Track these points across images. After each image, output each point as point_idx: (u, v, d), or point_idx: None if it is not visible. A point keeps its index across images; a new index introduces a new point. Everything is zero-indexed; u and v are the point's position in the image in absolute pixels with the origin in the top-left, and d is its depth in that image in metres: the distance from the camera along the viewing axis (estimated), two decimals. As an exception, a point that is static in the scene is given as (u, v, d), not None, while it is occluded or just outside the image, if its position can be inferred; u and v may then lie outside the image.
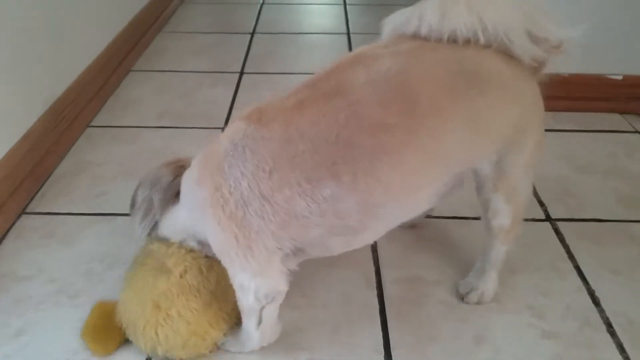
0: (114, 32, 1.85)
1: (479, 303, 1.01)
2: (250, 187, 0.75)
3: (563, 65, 1.62)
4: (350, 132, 0.72)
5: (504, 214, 0.91)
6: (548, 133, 1.55)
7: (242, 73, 1.93)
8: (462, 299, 1.02)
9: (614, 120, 1.65)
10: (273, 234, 0.77)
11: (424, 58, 0.77)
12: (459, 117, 0.76)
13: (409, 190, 0.79)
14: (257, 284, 0.80)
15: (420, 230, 1.20)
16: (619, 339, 0.96)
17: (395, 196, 0.77)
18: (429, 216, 1.23)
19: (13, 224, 1.21)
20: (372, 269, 1.11)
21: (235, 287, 0.83)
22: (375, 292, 1.05)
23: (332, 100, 0.74)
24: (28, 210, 1.26)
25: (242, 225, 0.77)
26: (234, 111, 1.68)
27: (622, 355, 0.93)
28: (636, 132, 1.58)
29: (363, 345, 0.95)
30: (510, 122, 0.82)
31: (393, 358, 0.93)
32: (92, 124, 1.60)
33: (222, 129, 1.58)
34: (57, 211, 1.26)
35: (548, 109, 1.66)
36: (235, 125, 0.80)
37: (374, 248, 1.15)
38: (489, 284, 1.01)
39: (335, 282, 1.07)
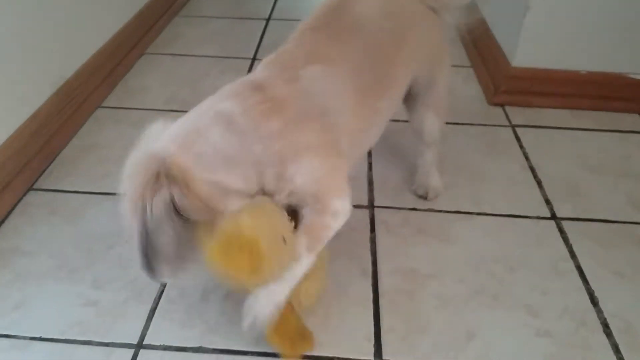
0: (127, 15, 1.87)
1: (436, 196, 1.23)
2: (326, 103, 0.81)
3: (581, 62, 1.60)
4: (375, 61, 0.90)
5: (434, 127, 1.15)
6: (564, 131, 1.53)
7: (254, 59, 1.93)
8: (426, 198, 1.22)
9: (633, 120, 1.60)
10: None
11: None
12: (415, 42, 0.99)
13: (400, 90, 1.02)
14: (349, 204, 0.83)
15: (419, 223, 1.19)
16: (614, 340, 0.94)
17: (393, 97, 0.98)
18: (430, 209, 1.22)
19: (20, 200, 1.24)
20: (369, 259, 1.10)
21: (327, 216, 0.82)
22: (370, 282, 1.04)
23: (354, 37, 0.89)
24: (35, 187, 1.28)
25: (331, 143, 0.81)
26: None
27: (616, 356, 0.91)
28: (653, 133, 1.54)
29: (354, 332, 0.95)
30: (436, 44, 1.08)
31: (383, 346, 0.92)
32: (102, 105, 1.62)
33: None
34: (63, 189, 1.28)
35: (566, 106, 1.65)
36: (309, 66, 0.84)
37: (372, 239, 1.14)
38: (436, 180, 1.24)
39: (332, 272, 1.06)
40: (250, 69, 1.86)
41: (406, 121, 1.19)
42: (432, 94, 1.09)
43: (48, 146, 1.36)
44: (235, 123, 0.76)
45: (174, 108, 1.61)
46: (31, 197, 1.25)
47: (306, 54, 0.85)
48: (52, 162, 1.36)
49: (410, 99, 1.11)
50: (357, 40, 0.89)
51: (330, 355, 0.91)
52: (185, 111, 1.60)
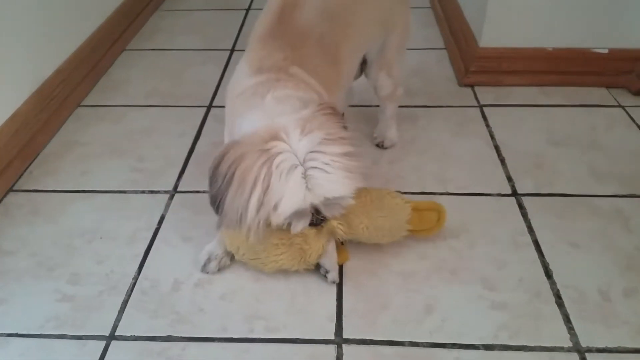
0: (108, 10, 1.90)
1: (391, 146, 1.41)
2: None
3: (546, 39, 1.62)
4: (328, 54, 1.05)
5: (386, 84, 1.29)
6: (532, 108, 1.56)
7: (232, 50, 1.96)
8: (382, 146, 1.40)
9: (600, 94, 1.62)
10: None
11: None
12: (365, 15, 1.14)
13: (353, 65, 1.19)
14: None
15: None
16: (566, 310, 0.98)
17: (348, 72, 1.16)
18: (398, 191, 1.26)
19: (0, 202, 1.28)
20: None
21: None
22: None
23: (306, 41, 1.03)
24: (16, 188, 1.33)
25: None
26: (220, 89, 1.71)
27: (566, 326, 0.95)
28: (620, 106, 1.56)
29: (317, 313, 1.00)
30: (387, 13, 1.19)
31: (344, 325, 0.97)
32: (83, 104, 1.66)
33: (208, 107, 1.62)
34: (43, 189, 1.32)
35: (534, 83, 1.68)
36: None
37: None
38: (393, 132, 1.42)
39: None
40: (228, 60, 1.88)
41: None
42: (384, 56, 1.24)
43: (28, 146, 1.40)
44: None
45: (154, 103, 1.65)
46: (12, 197, 1.30)
47: (283, 59, 0.99)
48: (32, 161, 1.41)
49: (366, 62, 1.27)
50: (309, 43, 1.03)
51: (293, 337, 0.95)
52: (166, 106, 1.64)
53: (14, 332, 0.98)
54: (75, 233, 1.19)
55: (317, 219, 0.93)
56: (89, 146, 1.48)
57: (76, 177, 1.36)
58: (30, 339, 0.97)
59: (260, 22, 1.07)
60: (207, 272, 1.06)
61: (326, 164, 0.84)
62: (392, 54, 1.25)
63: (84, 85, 1.69)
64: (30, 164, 1.40)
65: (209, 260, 1.05)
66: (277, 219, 0.86)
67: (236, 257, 1.06)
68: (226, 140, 1.05)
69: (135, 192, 1.30)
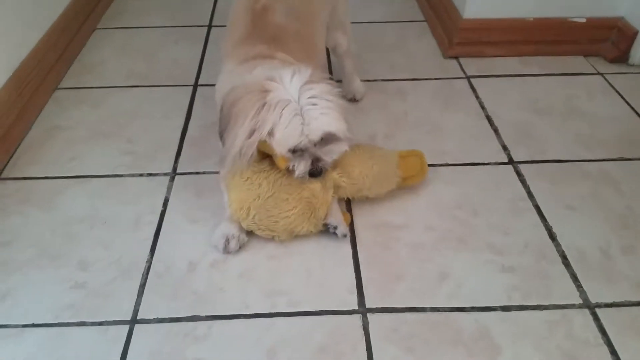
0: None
1: (360, 99, 1.51)
2: None
3: (527, 9, 1.66)
4: (303, 44, 1.18)
5: (343, 41, 1.43)
6: (515, 78, 1.61)
7: (210, 26, 1.91)
8: (354, 99, 1.49)
9: (578, 63, 1.69)
10: None
11: None
12: (321, 3, 1.28)
13: (322, 41, 1.31)
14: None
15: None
16: (572, 270, 1.03)
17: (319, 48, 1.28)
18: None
19: (-12, 191, 1.23)
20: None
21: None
22: (348, 238, 1.10)
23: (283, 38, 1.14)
24: (2, 177, 1.27)
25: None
26: (204, 68, 1.67)
27: (575, 284, 1.01)
28: (598, 74, 1.63)
29: (336, 286, 1.01)
30: None
31: (365, 296, 0.99)
32: (60, 86, 1.59)
33: (194, 86, 1.58)
34: (31, 176, 1.27)
35: (515, 53, 1.72)
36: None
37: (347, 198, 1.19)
38: (358, 83, 1.52)
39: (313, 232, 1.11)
40: (207, 36, 1.84)
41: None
42: (336, 18, 1.37)
43: (9, 134, 1.34)
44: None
45: (134, 84, 1.60)
46: None
47: (267, 48, 1.10)
48: (15, 150, 1.35)
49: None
50: (288, 37, 1.14)
51: (318, 309, 0.97)
52: (147, 86, 1.60)
53: (29, 322, 0.95)
54: (74, 220, 1.16)
55: (317, 167, 1.00)
56: (73, 130, 1.42)
57: (65, 163, 1.31)
58: (47, 328, 0.95)
59: (232, 31, 1.19)
60: (229, 252, 1.05)
61: (317, 99, 0.96)
62: (342, 14, 1.39)
63: (59, 67, 1.62)
64: (13, 153, 1.34)
65: (227, 240, 1.05)
66: (278, 147, 0.96)
67: (245, 223, 1.05)
68: (222, 140, 1.06)
69: (132, 175, 1.27)
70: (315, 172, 1.01)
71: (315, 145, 1.00)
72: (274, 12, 1.16)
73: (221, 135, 1.01)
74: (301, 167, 1.00)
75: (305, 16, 1.21)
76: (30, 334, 0.94)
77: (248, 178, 1.04)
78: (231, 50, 1.15)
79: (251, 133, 0.96)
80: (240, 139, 0.96)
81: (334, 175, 1.07)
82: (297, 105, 0.95)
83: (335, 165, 1.07)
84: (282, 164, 1.00)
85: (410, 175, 1.17)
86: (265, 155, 1.03)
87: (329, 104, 0.97)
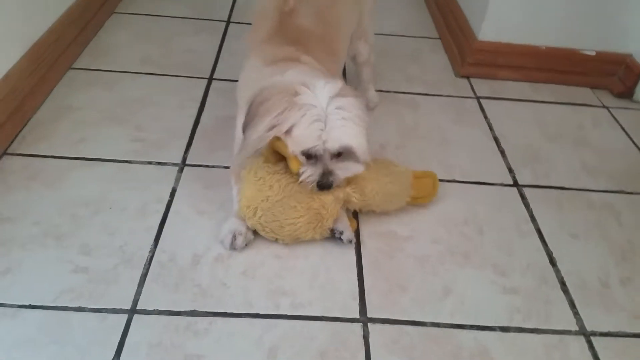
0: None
1: (374, 108, 1.52)
2: None
3: (541, 37, 1.69)
4: (326, 46, 1.20)
5: (364, 50, 1.44)
6: (524, 103, 1.63)
7: (228, 22, 1.91)
8: (367, 107, 1.35)
9: (585, 94, 1.72)
10: None
11: None
12: (348, 10, 1.30)
13: (345, 47, 1.33)
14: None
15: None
16: (571, 296, 1.05)
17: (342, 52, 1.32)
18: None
19: (-5, 165, 1.21)
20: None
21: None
22: (353, 245, 1.11)
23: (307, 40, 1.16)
24: (9, 152, 1.25)
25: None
26: (220, 61, 1.67)
27: (572, 311, 1.02)
28: (604, 107, 1.66)
29: (339, 291, 1.02)
30: None
31: (367, 304, 1.00)
32: (73, 67, 1.58)
33: (208, 79, 1.58)
34: (39, 153, 1.26)
35: (526, 79, 1.75)
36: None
37: (352, 205, 1.20)
38: (373, 93, 1.55)
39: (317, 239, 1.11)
40: (225, 31, 1.84)
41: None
42: (359, 27, 1.38)
43: (21, 109, 1.32)
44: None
45: (148, 71, 1.59)
46: (5, 162, 1.23)
47: (294, 50, 1.11)
48: (25, 125, 1.33)
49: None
50: (313, 41, 1.16)
51: (319, 314, 0.97)
52: (161, 74, 1.60)
53: (26, 303, 0.94)
54: (79, 202, 1.15)
55: (327, 179, 1.00)
56: (84, 111, 1.41)
57: (73, 144, 1.30)
58: (45, 310, 0.93)
59: (258, 28, 1.21)
60: (235, 249, 1.05)
61: (343, 111, 0.96)
62: (367, 23, 1.41)
63: (75, 48, 1.61)
64: (22, 128, 1.33)
65: (234, 237, 1.05)
66: (293, 146, 0.97)
67: (250, 222, 1.05)
68: (238, 129, 1.08)
69: (141, 162, 1.26)
70: (324, 184, 1.01)
71: (331, 158, 0.99)
72: (301, 15, 1.17)
73: (244, 130, 1.01)
74: (309, 172, 1.00)
75: (330, 21, 1.22)
76: (27, 314, 0.93)
77: (261, 178, 1.04)
78: (257, 48, 1.15)
79: (271, 128, 0.96)
80: (260, 131, 0.96)
81: (348, 190, 1.07)
82: (322, 112, 0.96)
83: (349, 180, 1.06)
84: (294, 167, 1.00)
85: (421, 195, 1.18)
86: (281, 158, 1.03)
87: (354, 118, 0.97)
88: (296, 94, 0.96)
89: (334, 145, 0.97)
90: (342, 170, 1.02)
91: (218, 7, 2.00)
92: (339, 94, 0.97)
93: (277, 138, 0.98)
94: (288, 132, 0.96)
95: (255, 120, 0.97)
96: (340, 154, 1.00)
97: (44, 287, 0.97)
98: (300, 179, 1.00)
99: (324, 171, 1.00)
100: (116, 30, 1.78)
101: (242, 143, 1.01)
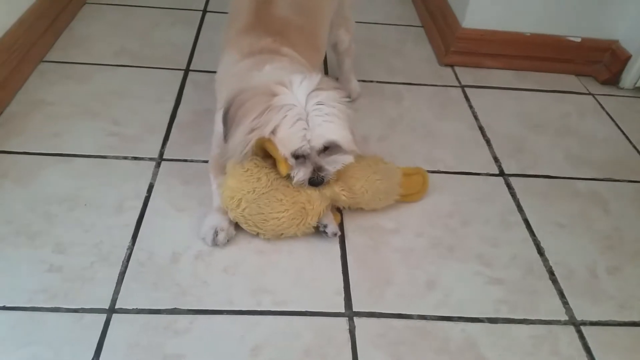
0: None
1: (356, 99, 1.48)
2: None
3: (526, 24, 1.67)
4: (308, 37, 1.18)
5: (345, 39, 1.40)
6: (508, 91, 1.61)
7: (204, 11, 1.86)
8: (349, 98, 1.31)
9: (570, 81, 1.71)
10: None
11: None
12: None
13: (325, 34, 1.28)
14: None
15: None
16: (559, 286, 1.04)
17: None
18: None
19: (-37, 162, 1.16)
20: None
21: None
22: (337, 239, 1.08)
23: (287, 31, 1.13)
24: (-21, 148, 1.21)
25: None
26: (196, 53, 1.63)
27: (561, 301, 1.01)
28: (589, 94, 1.65)
29: (323, 287, 0.99)
30: None
31: (352, 299, 0.97)
32: (45, 59, 1.52)
33: (185, 71, 1.54)
34: (11, 150, 1.21)
35: (511, 67, 1.73)
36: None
37: (335, 197, 1.17)
38: (354, 83, 1.50)
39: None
40: (201, 22, 1.79)
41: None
42: (340, 15, 1.34)
43: (-10, 104, 1.28)
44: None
45: (123, 63, 1.54)
46: (-25, 159, 1.18)
47: (272, 42, 1.09)
48: (-5, 121, 1.28)
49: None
50: (292, 31, 1.13)
51: (303, 309, 0.95)
52: (136, 66, 1.55)
53: (0, 304, 0.90)
54: (53, 199, 1.11)
55: (318, 176, 0.98)
56: (57, 106, 1.36)
57: (47, 139, 1.25)
58: (20, 312, 0.90)
59: (235, 19, 1.16)
60: (217, 245, 1.02)
61: (323, 106, 0.95)
62: (347, 10, 1.37)
63: (46, 39, 1.55)
64: (-6, 122, 1.28)
65: (216, 233, 1.01)
66: (282, 147, 0.95)
67: (233, 214, 1.02)
68: (217, 123, 1.06)
69: (117, 157, 1.22)
70: (316, 181, 1.00)
71: (318, 154, 0.98)
72: (279, 5, 1.13)
73: (225, 135, 0.99)
74: (300, 174, 0.99)
75: (309, 10, 1.19)
76: (1, 316, 0.89)
77: (248, 169, 1.01)
78: (234, 40, 1.12)
79: (251, 131, 0.94)
80: (240, 134, 0.94)
81: (336, 189, 1.05)
82: (302, 110, 0.94)
83: (338, 177, 1.04)
84: (284, 171, 0.98)
85: (411, 193, 1.16)
86: (269, 155, 1.00)
87: (335, 112, 0.96)
88: (274, 94, 0.94)
89: (319, 142, 0.96)
90: (332, 164, 1.00)
91: (194, -4, 1.95)
92: (317, 89, 0.95)
93: (268, 140, 0.95)
94: (273, 133, 0.94)
95: (235, 125, 0.96)
96: (327, 149, 0.98)
97: (18, 288, 0.93)
98: (294, 181, 0.99)
99: (314, 168, 0.98)
100: (89, 21, 1.73)
101: (225, 145, 0.99)
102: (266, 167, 1.01)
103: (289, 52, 1.10)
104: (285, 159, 0.96)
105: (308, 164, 0.99)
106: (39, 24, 1.51)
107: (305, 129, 0.94)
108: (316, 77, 0.97)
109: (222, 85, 1.11)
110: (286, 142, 0.94)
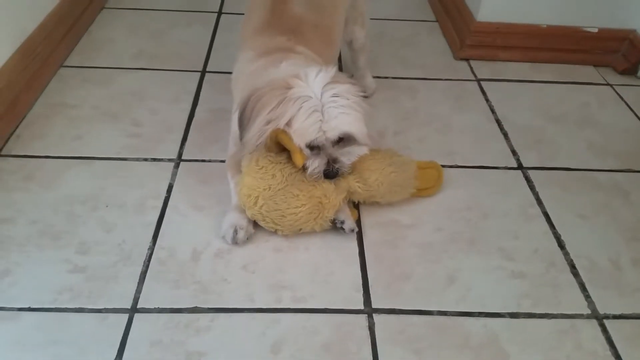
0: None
1: (371, 95, 1.47)
2: None
3: (541, 16, 1.65)
4: (323, 34, 1.19)
5: (361, 35, 1.40)
6: (525, 84, 1.60)
7: (220, 13, 1.88)
8: (366, 95, 1.36)
9: (588, 72, 1.68)
10: None
11: None
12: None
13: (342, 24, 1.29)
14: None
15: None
16: (581, 279, 1.02)
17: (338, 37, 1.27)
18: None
19: (-12, 166, 1.19)
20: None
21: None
22: (355, 236, 1.08)
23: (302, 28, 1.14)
24: (4, 152, 1.23)
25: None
26: (213, 53, 1.64)
27: (583, 294, 1.00)
28: (608, 84, 1.62)
29: (342, 283, 0.99)
30: None
31: (371, 296, 0.97)
32: (65, 64, 1.55)
33: (202, 72, 1.56)
34: (34, 154, 1.24)
35: (527, 59, 1.71)
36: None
37: (353, 194, 1.18)
38: (370, 79, 1.50)
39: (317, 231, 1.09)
40: (217, 23, 1.81)
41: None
42: (355, 11, 1.35)
43: (14, 107, 1.30)
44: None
45: (142, 66, 1.56)
46: (1, 162, 1.21)
47: (287, 40, 1.10)
48: (19, 124, 1.31)
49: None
50: (307, 29, 1.14)
51: (322, 307, 0.95)
52: (154, 69, 1.57)
53: (25, 305, 0.92)
54: (76, 201, 1.13)
55: (333, 167, 0.99)
56: (78, 109, 1.39)
57: (69, 142, 1.28)
58: (44, 313, 0.91)
59: (251, 18, 1.17)
60: (237, 243, 1.03)
61: (339, 98, 0.96)
62: (361, 6, 1.37)
63: (66, 43, 1.58)
64: (17, 126, 1.30)
65: (235, 231, 1.02)
66: (297, 138, 0.95)
67: (250, 212, 1.03)
68: (234, 122, 1.06)
69: (137, 159, 1.24)
70: (331, 172, 1.00)
71: (333, 145, 0.99)
72: (294, 2, 1.14)
73: (241, 130, 1.00)
74: (315, 164, 0.99)
75: (324, 7, 1.19)
76: (27, 317, 0.91)
77: (263, 167, 1.02)
78: (249, 39, 1.13)
79: (268, 122, 0.95)
80: (257, 126, 0.95)
81: (351, 180, 1.06)
82: (318, 102, 0.95)
83: (353, 169, 1.05)
84: (299, 161, 0.98)
85: (426, 187, 1.16)
86: (283, 149, 1.01)
87: (351, 105, 0.96)
88: (290, 87, 0.95)
89: (334, 134, 0.97)
90: (347, 155, 1.01)
91: (208, -2, 1.97)
92: (332, 82, 0.96)
93: (283, 131, 0.96)
94: (288, 124, 0.95)
95: (252, 118, 0.96)
96: (342, 140, 0.99)
97: (43, 288, 0.95)
98: (309, 172, 1.00)
99: (329, 160, 0.99)
100: (107, 26, 1.75)
101: (241, 143, 1.00)
102: (280, 163, 1.02)
103: (303, 51, 1.10)
104: (300, 150, 0.97)
105: (323, 156, 0.99)
106: (59, 29, 1.54)
107: (320, 120, 0.95)
108: (331, 70, 0.98)
109: (238, 84, 1.12)
110: (301, 133, 0.95)
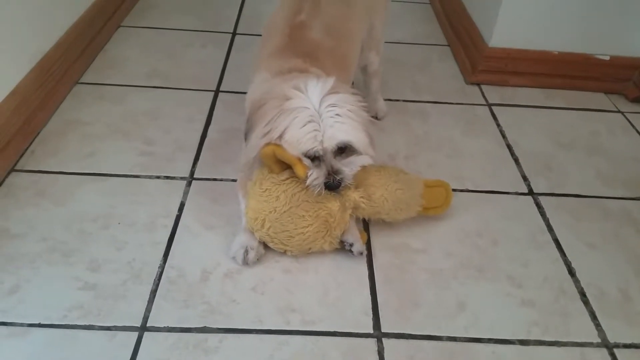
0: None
1: (382, 118, 1.50)
2: None
3: (553, 43, 1.66)
4: (338, 59, 1.19)
5: (375, 61, 1.43)
6: (536, 110, 1.60)
7: (234, 34, 1.91)
8: (376, 118, 1.47)
9: (599, 99, 1.68)
10: None
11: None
12: (359, 21, 1.29)
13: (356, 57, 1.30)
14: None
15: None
16: (591, 308, 1.02)
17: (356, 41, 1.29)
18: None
19: (2, 182, 1.21)
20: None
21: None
22: (364, 259, 1.08)
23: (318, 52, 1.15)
24: (18, 167, 1.25)
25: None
26: (226, 74, 1.66)
27: (594, 323, 0.99)
28: (619, 112, 1.62)
29: (351, 307, 0.99)
30: (372, 5, 1.34)
31: (381, 320, 0.97)
32: (81, 81, 1.58)
33: (215, 92, 1.58)
34: (47, 169, 1.25)
35: (538, 85, 1.72)
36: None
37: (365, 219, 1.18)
38: (381, 103, 1.52)
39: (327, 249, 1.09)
40: (231, 44, 1.84)
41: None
42: (371, 37, 1.37)
43: (29, 124, 1.32)
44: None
45: (156, 84, 1.58)
46: (15, 178, 1.22)
47: (302, 62, 1.10)
48: (33, 140, 1.33)
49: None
50: (323, 54, 1.15)
51: (332, 330, 0.95)
52: (168, 88, 1.59)
53: (35, 322, 0.93)
54: (88, 218, 1.14)
55: (334, 179, 0.97)
56: (92, 126, 1.41)
57: (82, 159, 1.29)
58: (54, 329, 0.92)
59: (268, 41, 1.19)
60: (248, 264, 1.03)
61: (336, 107, 0.95)
62: (378, 33, 1.39)
63: (82, 61, 1.61)
64: (31, 142, 1.32)
65: (246, 252, 1.03)
66: (290, 149, 0.95)
67: (259, 234, 1.03)
68: (246, 142, 1.06)
69: (149, 177, 1.25)
70: (332, 184, 0.98)
71: (335, 156, 0.98)
72: (312, 29, 1.16)
73: (246, 137, 1.02)
74: (314, 175, 0.97)
75: (342, 35, 1.21)
76: (36, 333, 0.91)
77: (267, 189, 1.02)
78: (265, 61, 1.14)
79: (264, 135, 0.96)
80: (254, 139, 0.97)
81: (355, 195, 1.05)
82: (314, 112, 0.95)
83: (358, 184, 1.05)
84: (301, 173, 0.98)
85: (433, 206, 1.15)
86: (285, 166, 1.01)
87: (348, 113, 0.96)
88: (287, 98, 0.95)
89: (331, 143, 0.96)
90: (348, 166, 0.99)
91: (224, 19, 2.00)
92: (331, 91, 0.96)
93: (278, 147, 0.97)
94: (281, 137, 0.96)
95: (252, 128, 0.99)
96: (343, 151, 0.98)
97: (52, 305, 0.96)
98: (307, 183, 0.98)
99: (329, 171, 0.97)
100: (123, 44, 1.78)
101: (244, 151, 1.03)
102: (284, 184, 1.02)
103: (317, 72, 1.11)
104: (300, 160, 0.97)
105: (323, 167, 0.98)
106: (75, 47, 1.57)
107: (316, 130, 0.94)
108: (330, 80, 0.98)
109: (249, 103, 1.13)
110: (295, 143, 0.95)
